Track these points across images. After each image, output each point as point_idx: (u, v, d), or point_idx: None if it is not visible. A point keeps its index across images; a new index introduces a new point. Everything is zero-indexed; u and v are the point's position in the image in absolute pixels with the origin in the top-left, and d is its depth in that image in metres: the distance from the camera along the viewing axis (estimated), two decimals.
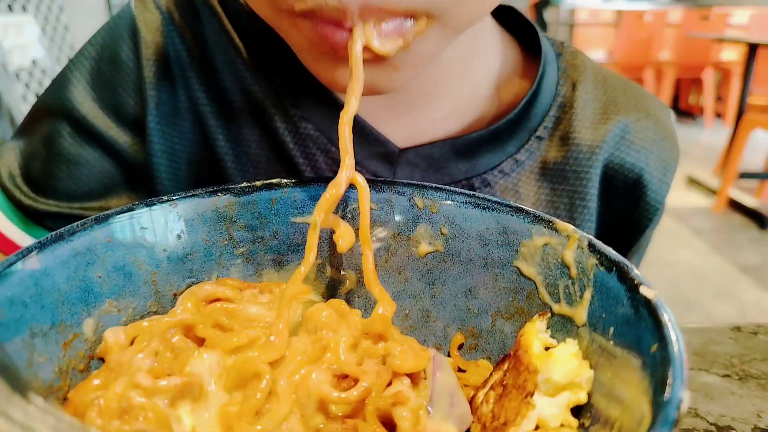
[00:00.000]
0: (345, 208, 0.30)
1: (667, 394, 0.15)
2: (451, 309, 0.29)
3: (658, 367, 0.17)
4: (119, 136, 0.41)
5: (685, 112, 4.90)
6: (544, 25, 6.70)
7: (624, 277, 0.21)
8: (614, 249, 0.46)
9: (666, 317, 0.18)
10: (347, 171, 0.26)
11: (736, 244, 2.58)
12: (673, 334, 0.17)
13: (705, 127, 4.49)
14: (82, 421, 0.19)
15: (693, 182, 3.19)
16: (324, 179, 0.30)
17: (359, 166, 0.31)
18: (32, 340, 0.22)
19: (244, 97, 0.42)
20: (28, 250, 0.23)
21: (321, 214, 0.26)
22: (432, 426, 0.22)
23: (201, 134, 0.42)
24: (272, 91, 0.41)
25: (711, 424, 0.32)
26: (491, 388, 0.23)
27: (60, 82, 0.42)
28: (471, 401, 0.24)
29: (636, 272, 0.21)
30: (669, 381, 0.16)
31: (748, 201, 2.87)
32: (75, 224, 0.25)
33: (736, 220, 2.81)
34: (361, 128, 0.39)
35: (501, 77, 0.42)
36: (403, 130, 0.39)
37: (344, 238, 0.28)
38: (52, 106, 0.42)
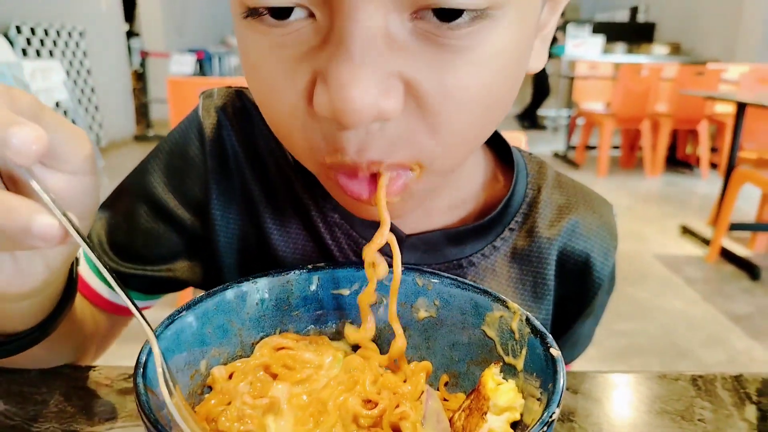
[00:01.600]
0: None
1: (548, 412, 0.29)
2: (440, 357, 0.42)
3: (549, 398, 0.30)
4: (185, 215, 0.53)
5: (681, 162, 5.05)
6: (545, 76, 6.94)
7: (543, 341, 0.34)
8: (569, 314, 0.57)
9: (560, 369, 0.31)
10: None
11: (727, 293, 2.67)
12: (560, 380, 0.31)
13: (701, 178, 4.63)
14: (215, 422, 0.33)
15: (686, 232, 3.30)
16: (354, 263, 0.44)
17: None
18: (176, 374, 0.35)
19: (286, 188, 0.51)
20: (174, 316, 0.36)
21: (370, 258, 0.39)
22: None
23: (252, 216, 0.53)
24: (308, 185, 0.51)
25: None
26: (462, 410, 0.36)
27: (140, 170, 0.54)
28: (450, 420, 0.37)
29: (550, 339, 0.34)
30: (551, 405, 0.29)
31: (741, 251, 2.97)
32: (197, 297, 0.38)
33: (728, 270, 2.90)
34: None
35: (482, 183, 0.54)
36: (407, 222, 0.51)
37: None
38: (133, 189, 0.54)
